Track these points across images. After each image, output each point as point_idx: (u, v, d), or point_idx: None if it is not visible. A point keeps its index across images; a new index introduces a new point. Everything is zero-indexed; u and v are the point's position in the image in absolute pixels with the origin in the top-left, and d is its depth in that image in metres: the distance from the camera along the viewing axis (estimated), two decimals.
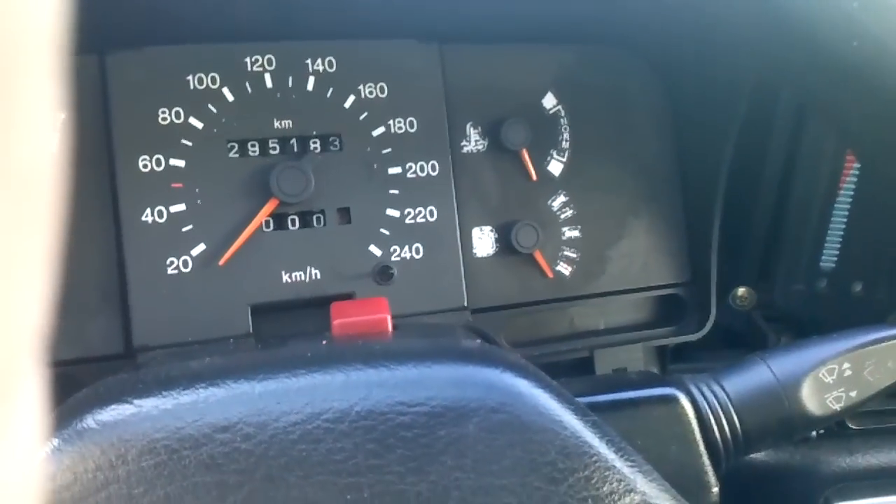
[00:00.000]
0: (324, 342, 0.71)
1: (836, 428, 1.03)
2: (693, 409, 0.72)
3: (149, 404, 0.54)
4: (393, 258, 0.95)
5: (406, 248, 0.96)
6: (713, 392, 0.74)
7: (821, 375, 0.71)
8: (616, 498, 0.55)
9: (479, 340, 0.74)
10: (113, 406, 0.55)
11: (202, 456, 0.52)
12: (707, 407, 0.72)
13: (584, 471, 0.55)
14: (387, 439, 0.54)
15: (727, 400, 0.73)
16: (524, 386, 0.58)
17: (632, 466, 0.57)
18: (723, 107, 1.02)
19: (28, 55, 0.20)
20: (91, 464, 0.51)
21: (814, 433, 1.02)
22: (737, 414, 0.72)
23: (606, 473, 0.56)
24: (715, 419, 0.72)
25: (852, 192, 0.98)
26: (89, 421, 0.54)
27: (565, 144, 1.05)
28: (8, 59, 0.19)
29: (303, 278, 0.92)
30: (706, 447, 0.71)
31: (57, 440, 0.53)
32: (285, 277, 0.92)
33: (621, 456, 0.57)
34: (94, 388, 0.61)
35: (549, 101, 1.05)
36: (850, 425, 1.03)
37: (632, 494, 0.56)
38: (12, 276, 0.20)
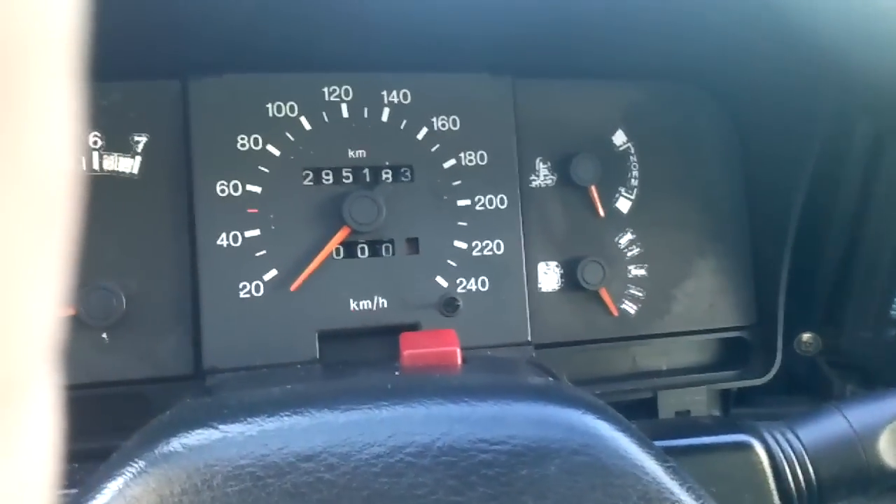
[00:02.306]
0: (396, 373, 0.72)
1: None
2: (767, 456, 0.71)
3: (234, 430, 0.55)
4: (459, 290, 0.95)
5: (472, 280, 0.96)
6: (787, 440, 0.73)
7: None
8: None
9: (549, 378, 0.74)
10: (199, 430, 0.55)
11: (286, 485, 0.52)
12: (781, 455, 0.71)
13: None
14: (468, 476, 0.54)
15: (802, 449, 0.72)
16: (605, 428, 0.57)
17: None
18: (796, 141, 1.00)
19: (39, 66, 0.20)
20: (177, 487, 0.52)
21: None
22: (812, 463, 0.71)
23: None
24: (789, 468, 0.71)
25: None
26: (175, 444, 0.54)
27: (634, 182, 1.04)
28: (18, 69, 0.19)
29: (370, 307, 0.93)
30: (780, 496, 0.70)
31: (143, 462, 0.54)
32: (353, 305, 0.92)
33: None
34: (178, 411, 0.62)
35: (619, 137, 1.04)
36: None
37: None
38: (24, 285, 0.20)
